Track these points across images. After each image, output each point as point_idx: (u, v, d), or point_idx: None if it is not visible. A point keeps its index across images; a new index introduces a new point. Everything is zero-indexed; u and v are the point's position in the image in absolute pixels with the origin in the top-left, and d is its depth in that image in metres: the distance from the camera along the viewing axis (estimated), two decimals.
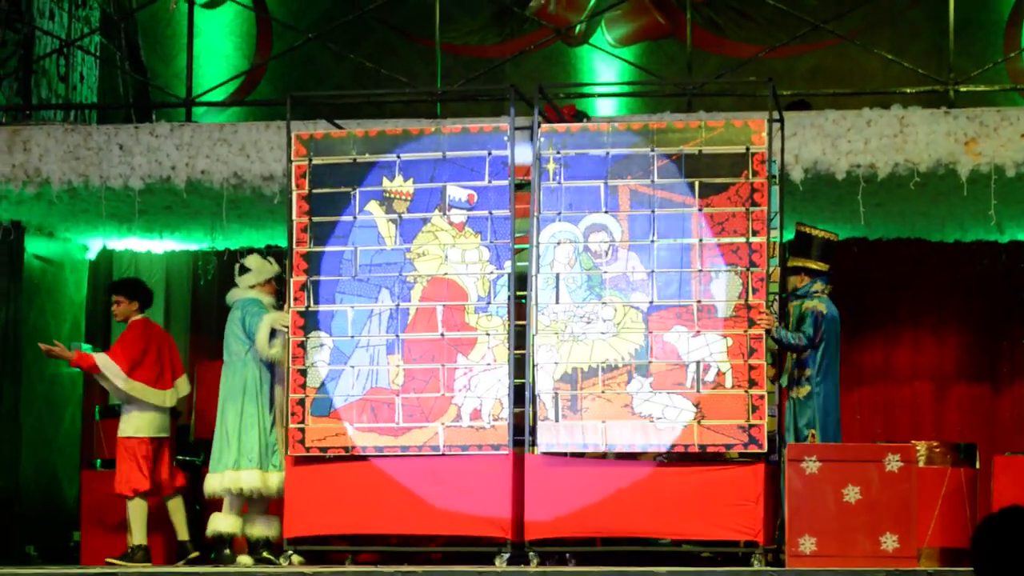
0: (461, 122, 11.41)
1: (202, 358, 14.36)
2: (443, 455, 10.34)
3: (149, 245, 14.31)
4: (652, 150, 10.31)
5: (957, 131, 11.59)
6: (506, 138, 10.45)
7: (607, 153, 10.38)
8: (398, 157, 10.60)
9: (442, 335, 10.44)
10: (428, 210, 10.55)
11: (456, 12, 14.07)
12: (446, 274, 10.49)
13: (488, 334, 10.37)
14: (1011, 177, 11.55)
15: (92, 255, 14.40)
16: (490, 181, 10.47)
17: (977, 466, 11.05)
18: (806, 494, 9.89)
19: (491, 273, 10.43)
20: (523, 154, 10.60)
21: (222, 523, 11.21)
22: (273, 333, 11.07)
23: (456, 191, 10.52)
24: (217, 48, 14.41)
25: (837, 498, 9.88)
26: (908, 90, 12.32)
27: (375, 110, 12.86)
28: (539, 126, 10.50)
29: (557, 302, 10.33)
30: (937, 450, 10.92)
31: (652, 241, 10.27)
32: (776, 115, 10.94)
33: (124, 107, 14.14)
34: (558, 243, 10.38)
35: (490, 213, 10.46)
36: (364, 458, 10.45)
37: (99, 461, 13.02)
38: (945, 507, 10.75)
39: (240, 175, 12.26)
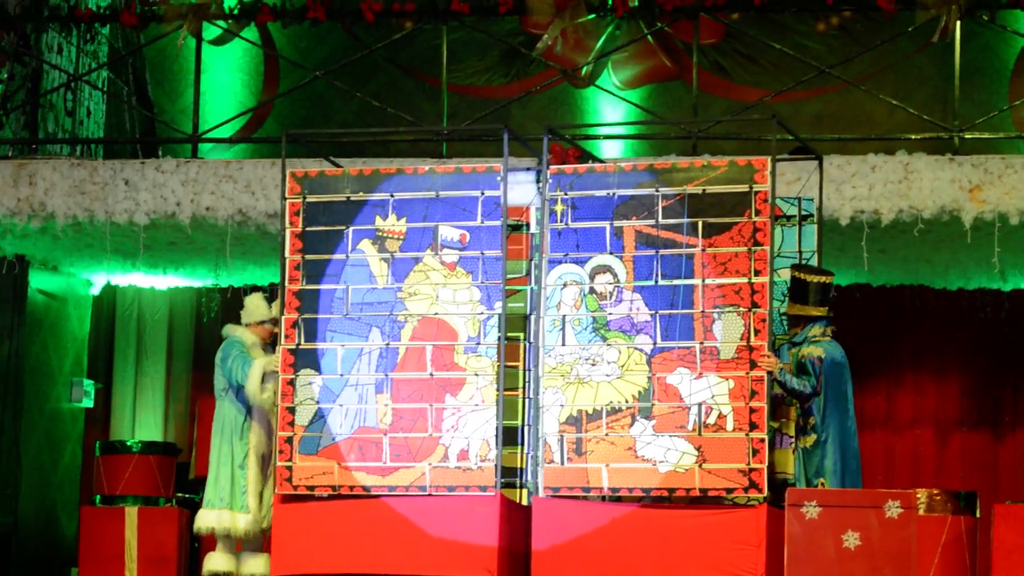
0: (455, 162, 11.41)
1: (204, 395, 14.34)
2: (430, 495, 10.31)
3: (153, 281, 14.33)
4: (657, 190, 10.30)
5: (961, 178, 11.60)
6: (499, 178, 10.45)
7: (613, 194, 10.38)
8: (391, 196, 10.59)
9: (431, 375, 10.42)
10: (420, 249, 10.54)
11: (463, 52, 14.09)
12: (436, 314, 10.47)
13: (477, 375, 10.35)
14: (1015, 225, 11.56)
15: (96, 290, 14.41)
16: (482, 221, 10.45)
17: (978, 514, 11.01)
18: (805, 539, 9.84)
19: (481, 314, 10.41)
20: (515, 195, 10.59)
21: (216, 562, 11.19)
22: (266, 376, 10.99)
23: (448, 231, 10.52)
24: (224, 85, 14.44)
25: (836, 544, 9.83)
26: (913, 136, 12.32)
27: (381, 149, 12.87)
28: (548, 167, 10.50)
29: (564, 344, 10.31)
30: (938, 498, 10.89)
31: (656, 283, 10.25)
32: (805, 152, 10.93)
33: (130, 142, 14.17)
34: (564, 284, 10.38)
35: (482, 253, 10.44)
36: (352, 497, 10.42)
37: (99, 497, 12.99)
38: (945, 555, 10.72)
39: (245, 212, 12.29)
